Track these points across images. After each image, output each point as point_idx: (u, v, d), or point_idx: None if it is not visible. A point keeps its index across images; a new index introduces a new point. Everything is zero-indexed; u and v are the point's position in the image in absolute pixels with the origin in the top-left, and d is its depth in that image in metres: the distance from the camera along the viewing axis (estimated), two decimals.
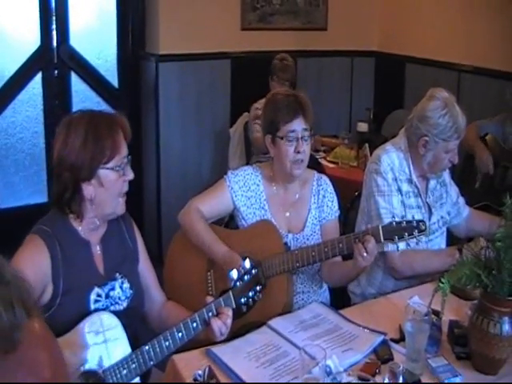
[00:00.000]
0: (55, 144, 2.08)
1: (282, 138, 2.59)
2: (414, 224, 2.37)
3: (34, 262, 2.01)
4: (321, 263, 2.66)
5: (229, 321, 2.08)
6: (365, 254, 2.33)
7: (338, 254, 2.46)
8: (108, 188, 2.09)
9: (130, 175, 2.16)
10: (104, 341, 2.00)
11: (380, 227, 2.38)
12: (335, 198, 2.77)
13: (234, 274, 2.18)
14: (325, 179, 2.79)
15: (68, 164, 2.03)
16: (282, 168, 2.65)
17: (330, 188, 2.77)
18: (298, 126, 2.59)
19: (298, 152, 2.58)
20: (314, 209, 2.73)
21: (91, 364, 1.94)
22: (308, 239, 2.68)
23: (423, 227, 2.37)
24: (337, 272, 2.63)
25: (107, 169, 2.07)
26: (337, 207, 2.76)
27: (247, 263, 2.21)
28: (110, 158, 2.06)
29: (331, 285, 2.79)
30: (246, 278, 2.18)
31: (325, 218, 2.73)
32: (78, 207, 2.10)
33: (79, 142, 2.03)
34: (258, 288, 2.19)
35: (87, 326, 2.00)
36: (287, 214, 2.72)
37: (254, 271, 2.21)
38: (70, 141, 2.04)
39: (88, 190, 2.07)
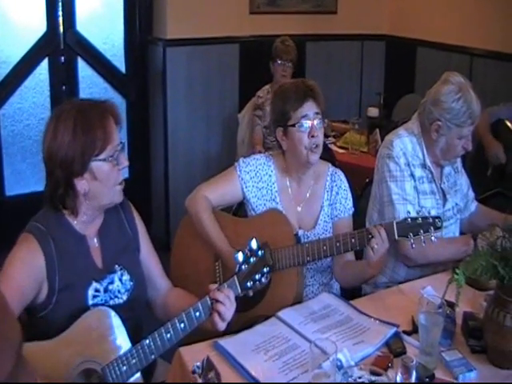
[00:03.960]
0: (45, 138, 2.00)
1: (294, 126, 2.51)
2: (430, 221, 2.29)
3: (28, 263, 1.97)
4: (333, 262, 2.61)
5: (228, 301, 1.98)
6: (376, 246, 2.27)
7: (351, 249, 2.39)
8: (102, 180, 2.02)
9: (125, 163, 2.08)
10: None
11: (394, 223, 2.31)
12: (349, 195, 2.69)
13: (240, 256, 2.07)
14: (339, 175, 2.71)
15: (58, 160, 1.96)
16: (297, 157, 2.57)
17: (345, 185, 2.69)
18: (310, 110, 2.51)
19: (313, 136, 2.50)
20: (326, 206, 2.66)
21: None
22: (319, 238, 2.58)
23: (439, 224, 2.29)
24: (350, 272, 2.56)
25: (99, 160, 2.00)
26: (351, 205, 2.68)
27: (254, 244, 2.10)
28: (102, 148, 1.99)
29: (344, 285, 2.71)
30: (252, 260, 2.07)
31: (337, 215, 2.65)
32: (71, 203, 2.04)
33: (69, 136, 1.95)
34: (265, 270, 2.08)
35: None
36: (299, 209, 2.65)
37: (260, 252, 2.09)
38: (59, 135, 1.96)
39: (81, 184, 2.00)
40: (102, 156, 2.00)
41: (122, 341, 1.98)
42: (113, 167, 2.03)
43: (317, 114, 2.53)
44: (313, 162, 2.56)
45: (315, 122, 2.52)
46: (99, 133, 1.98)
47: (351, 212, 2.69)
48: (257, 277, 2.07)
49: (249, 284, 2.06)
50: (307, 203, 2.66)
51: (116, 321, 1.99)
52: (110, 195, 2.08)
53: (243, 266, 2.05)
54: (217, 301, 1.98)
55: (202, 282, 2.48)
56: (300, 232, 2.61)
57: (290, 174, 2.65)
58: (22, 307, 1.94)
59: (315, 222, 2.64)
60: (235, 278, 2.04)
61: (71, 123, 1.96)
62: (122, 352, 1.93)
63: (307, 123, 2.51)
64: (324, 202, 2.65)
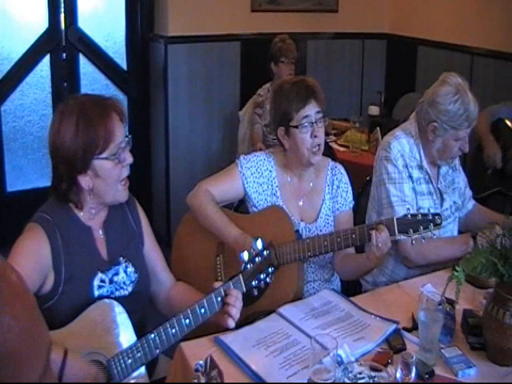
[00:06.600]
0: (50, 131, 2.03)
1: (296, 127, 2.52)
2: (430, 217, 2.32)
3: (34, 252, 1.98)
4: (333, 255, 2.62)
5: (238, 303, 2.02)
6: (380, 245, 2.28)
7: (351, 244, 2.41)
8: (105, 178, 2.04)
9: (129, 159, 2.10)
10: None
11: (395, 219, 2.32)
12: (350, 188, 2.71)
13: (245, 255, 2.08)
14: (339, 168, 2.73)
15: (62, 155, 1.98)
16: (298, 157, 2.58)
17: (345, 178, 2.71)
18: (312, 110, 2.52)
19: (315, 136, 2.52)
20: (327, 199, 2.67)
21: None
22: (321, 230, 2.63)
23: (439, 221, 2.31)
24: (350, 264, 2.58)
25: (102, 159, 2.01)
26: (351, 198, 2.70)
27: (259, 244, 2.12)
28: (104, 147, 2.00)
29: (344, 277, 2.74)
30: (257, 259, 2.09)
31: (338, 208, 2.67)
32: (76, 197, 2.07)
33: (71, 133, 1.97)
34: (270, 270, 2.11)
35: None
36: (300, 203, 2.67)
37: (265, 252, 2.12)
38: (62, 130, 1.98)
39: (85, 181, 2.02)
40: (104, 155, 2.01)
41: (127, 334, 1.99)
42: (115, 165, 2.05)
43: (318, 112, 2.54)
44: (315, 162, 2.58)
45: (317, 122, 2.53)
46: (101, 131, 1.99)
47: (352, 205, 2.71)
48: (262, 276, 2.10)
49: (254, 283, 2.08)
50: (308, 197, 2.68)
51: (121, 313, 2.01)
52: (112, 192, 2.09)
53: (248, 265, 2.08)
54: (228, 304, 2.00)
55: (202, 278, 2.51)
56: (302, 224, 2.62)
57: (290, 169, 2.66)
58: None
59: (317, 216, 2.65)
60: (240, 276, 2.06)
61: (73, 121, 1.97)
62: (127, 345, 1.94)
63: (309, 124, 2.52)
64: (325, 196, 2.67)
